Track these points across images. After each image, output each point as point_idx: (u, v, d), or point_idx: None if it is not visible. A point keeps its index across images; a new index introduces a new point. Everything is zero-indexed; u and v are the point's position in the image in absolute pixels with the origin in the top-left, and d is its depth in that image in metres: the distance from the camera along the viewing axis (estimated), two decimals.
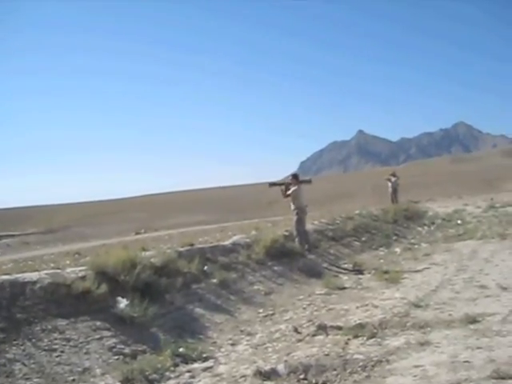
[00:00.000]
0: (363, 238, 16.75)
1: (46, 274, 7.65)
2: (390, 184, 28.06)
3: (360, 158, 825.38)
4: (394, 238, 18.08)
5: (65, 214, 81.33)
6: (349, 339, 6.82)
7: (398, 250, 15.68)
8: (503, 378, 4.89)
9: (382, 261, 13.89)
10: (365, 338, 6.79)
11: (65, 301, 7.19)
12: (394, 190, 27.85)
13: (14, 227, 62.33)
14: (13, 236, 52.91)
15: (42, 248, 24.59)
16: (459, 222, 21.92)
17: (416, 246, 16.30)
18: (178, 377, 6.01)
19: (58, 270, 8.04)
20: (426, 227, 21.22)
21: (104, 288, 7.55)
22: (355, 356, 6.07)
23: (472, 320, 7.09)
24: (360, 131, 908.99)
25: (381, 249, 16.05)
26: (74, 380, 5.81)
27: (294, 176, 14.16)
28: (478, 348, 5.93)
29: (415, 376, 5.26)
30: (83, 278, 7.71)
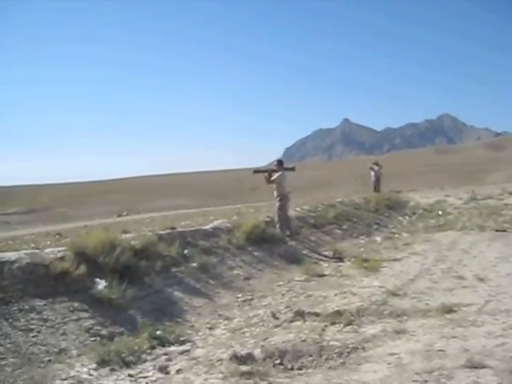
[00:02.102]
0: (344, 226, 16.81)
1: (25, 254, 7.60)
2: (372, 173, 28.13)
3: (344, 146, 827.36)
4: (375, 226, 18.17)
5: (47, 194, 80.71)
6: (326, 326, 6.86)
7: (378, 238, 15.77)
8: (476, 367, 4.96)
9: (362, 249, 13.97)
10: (342, 325, 6.84)
11: (43, 281, 7.15)
12: (377, 179, 27.94)
13: None
14: None
15: (23, 228, 24.38)
16: (440, 212, 22.07)
17: (396, 236, 16.39)
18: (154, 359, 6.00)
19: (37, 251, 8.00)
20: (407, 217, 21.35)
21: (83, 269, 7.52)
22: (331, 343, 6.10)
23: (448, 310, 7.17)
24: (345, 119, 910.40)
25: (361, 237, 16.13)
26: (49, 360, 5.79)
27: (279, 162, 14.16)
28: (453, 337, 6.00)
29: (390, 364, 5.31)
30: (62, 258, 7.67)
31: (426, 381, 4.77)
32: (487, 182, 57.31)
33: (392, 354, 5.58)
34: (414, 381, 4.79)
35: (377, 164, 28.46)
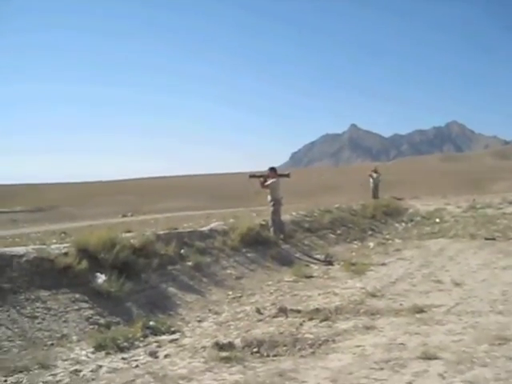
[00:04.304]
0: (338, 231, 17.34)
1: (32, 248, 8.28)
2: (371, 180, 28.80)
3: (351, 152, 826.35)
4: (370, 232, 18.72)
5: (55, 193, 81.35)
6: (304, 321, 7.52)
7: (371, 244, 16.32)
8: (429, 359, 5.59)
9: (353, 253, 14.55)
10: (318, 321, 7.49)
11: (48, 274, 7.80)
12: (376, 186, 28.59)
13: (2, 204, 62.45)
14: (0, 213, 53.00)
15: (29, 226, 24.91)
16: (437, 220, 22.55)
17: (390, 242, 16.93)
18: (146, 346, 6.64)
19: (44, 246, 8.67)
20: (403, 224, 21.87)
21: (85, 264, 8.15)
22: (306, 335, 6.77)
23: (419, 310, 7.80)
24: (353, 125, 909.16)
25: (355, 242, 16.68)
26: (52, 344, 6.44)
27: (272, 169, 14.87)
28: (416, 334, 6.65)
29: (354, 354, 5.97)
30: (66, 254, 8.31)
31: (382, 368, 5.42)
32: (493, 190, 57.55)
33: (358, 346, 6.23)
34: (371, 368, 5.44)
35: (376, 171, 29.10)
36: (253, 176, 15.31)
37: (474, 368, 5.30)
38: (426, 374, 5.21)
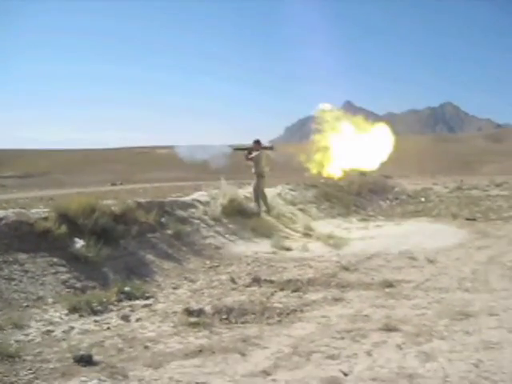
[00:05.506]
0: (322, 206, 17.57)
1: (12, 212, 8.38)
2: None
3: None
4: (354, 208, 18.99)
5: (47, 159, 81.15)
6: (275, 291, 7.72)
7: (353, 219, 16.59)
8: (390, 330, 5.80)
9: (335, 228, 14.74)
10: (289, 291, 7.70)
11: (27, 237, 7.91)
12: None
13: None
14: None
15: (18, 192, 24.91)
16: (422, 199, 22.85)
17: (372, 218, 17.21)
18: (119, 310, 6.81)
19: (23, 210, 8.78)
20: (388, 201, 22.21)
21: (64, 229, 8.28)
22: (275, 305, 6.98)
23: (389, 284, 8.00)
24: (347, 102, 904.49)
25: (338, 217, 16.92)
26: (27, 306, 6.59)
27: (257, 142, 14.96)
28: (382, 307, 6.85)
29: (319, 323, 6.17)
30: (46, 218, 8.43)
31: (343, 338, 5.62)
32: (482, 172, 57.90)
33: (324, 317, 6.43)
34: (333, 337, 5.64)
35: None
36: (237, 149, 15.46)
37: (431, 340, 5.50)
38: (384, 344, 5.41)
